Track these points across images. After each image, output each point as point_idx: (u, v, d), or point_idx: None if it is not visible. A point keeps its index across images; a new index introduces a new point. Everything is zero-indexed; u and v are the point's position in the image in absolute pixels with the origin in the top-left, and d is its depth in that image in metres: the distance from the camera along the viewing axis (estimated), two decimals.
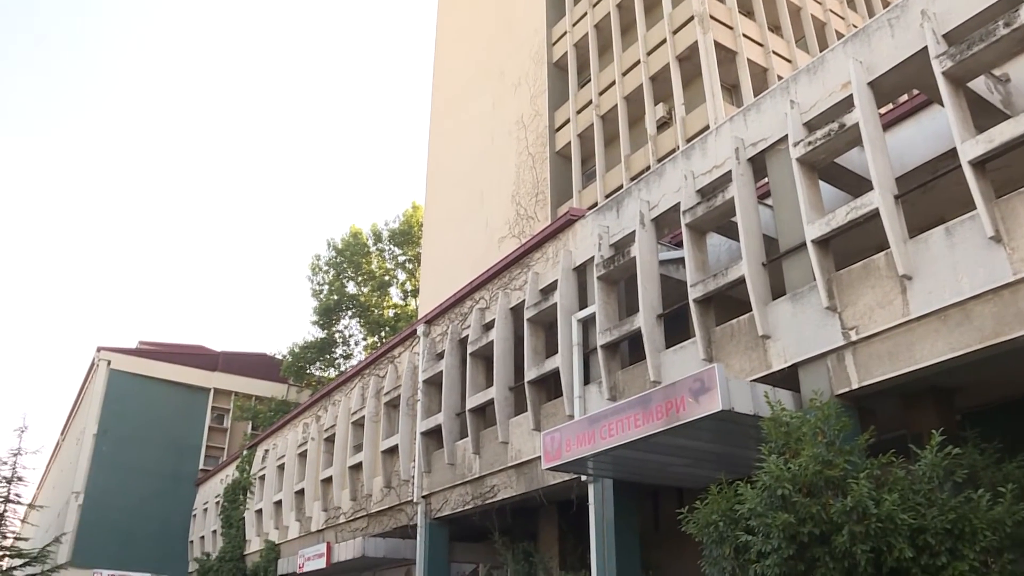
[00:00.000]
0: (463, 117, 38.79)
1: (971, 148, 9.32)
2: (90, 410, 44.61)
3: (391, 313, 51.96)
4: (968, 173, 9.31)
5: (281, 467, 29.94)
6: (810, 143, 11.32)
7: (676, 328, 13.83)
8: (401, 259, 53.07)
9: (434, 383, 20.08)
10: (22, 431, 32.37)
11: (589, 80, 31.00)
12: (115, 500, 42.34)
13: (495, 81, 36.72)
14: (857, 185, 12.03)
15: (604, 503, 14.11)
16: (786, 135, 11.87)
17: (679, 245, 14.64)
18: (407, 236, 52.13)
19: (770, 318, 11.57)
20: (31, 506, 38.91)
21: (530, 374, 16.37)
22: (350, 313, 51.33)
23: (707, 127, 23.07)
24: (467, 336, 18.90)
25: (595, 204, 23.92)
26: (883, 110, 11.53)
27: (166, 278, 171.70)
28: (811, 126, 11.64)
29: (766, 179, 12.67)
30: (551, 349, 16.31)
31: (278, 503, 29.57)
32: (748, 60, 26.79)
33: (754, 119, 12.75)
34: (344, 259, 51.51)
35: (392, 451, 21.67)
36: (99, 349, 46.10)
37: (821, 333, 10.77)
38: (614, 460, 12.33)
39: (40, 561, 30.94)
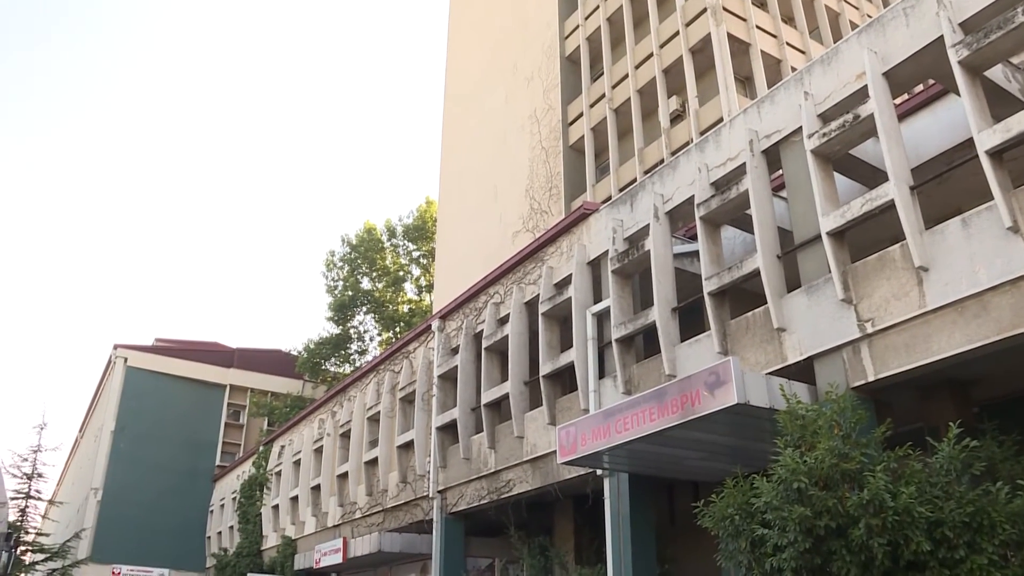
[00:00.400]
0: (476, 112, 38.78)
1: (988, 138, 9.23)
2: (107, 407, 44.94)
3: (406, 308, 52.06)
4: (985, 163, 9.23)
5: (297, 463, 30.08)
6: (825, 134, 11.25)
7: (691, 321, 13.79)
8: (415, 254, 53.14)
9: (449, 378, 20.11)
10: (41, 428, 32.68)
11: (602, 74, 30.92)
12: (133, 496, 42.66)
13: (508, 75, 36.68)
14: (872, 176, 11.94)
15: (619, 497, 14.10)
16: (800, 127, 11.80)
17: (693, 238, 14.60)
18: (421, 231, 52.17)
19: (785, 311, 11.52)
20: (51, 502, 39.26)
21: (545, 368, 16.37)
22: (365, 309, 51.44)
23: (721, 119, 22.99)
24: (482, 331, 18.92)
25: (609, 198, 23.86)
26: (898, 100, 11.44)
27: (182, 275, 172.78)
28: (826, 117, 11.56)
29: (780, 171, 12.61)
30: (566, 343, 16.31)
31: (294, 499, 29.73)
32: (761, 52, 26.65)
33: (768, 111, 12.68)
34: (358, 255, 51.62)
35: (407, 446, 21.73)
36: (116, 346, 46.38)
37: (837, 325, 10.71)
38: (629, 454, 12.32)
39: (61, 556, 31.24)
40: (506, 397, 17.41)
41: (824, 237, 10.90)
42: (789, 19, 29.27)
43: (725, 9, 26.45)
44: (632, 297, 15.10)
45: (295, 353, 50.69)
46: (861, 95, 11.07)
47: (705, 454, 12.12)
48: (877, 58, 10.90)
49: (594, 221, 16.23)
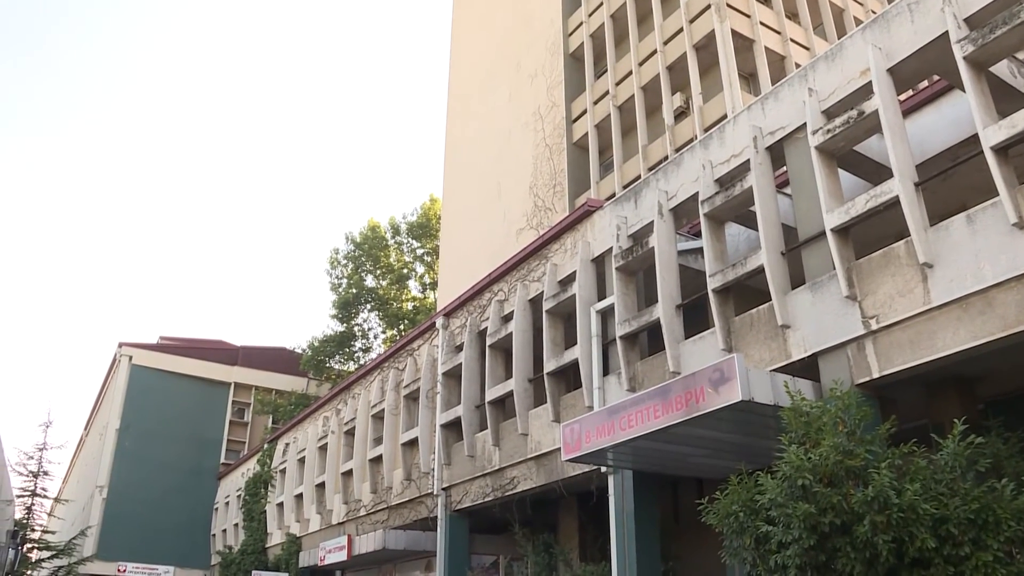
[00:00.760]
0: (480, 109, 38.76)
1: (993, 134, 9.20)
2: (113, 405, 45.03)
3: (410, 306, 52.06)
4: (990, 159, 9.20)
5: (302, 460, 30.12)
6: (829, 131, 11.22)
7: (695, 318, 13.77)
8: (419, 252, 53.13)
9: (453, 375, 20.11)
10: (47, 426, 32.87)
11: (606, 70, 30.86)
12: (138, 494, 42.75)
13: (512, 72, 36.64)
14: (876, 173, 11.92)
15: (624, 494, 14.09)
16: (804, 123, 11.78)
17: (697, 235, 14.59)
18: (425, 229, 52.16)
19: (789, 307, 11.50)
20: (57, 500, 39.45)
21: (549, 365, 16.37)
22: (369, 306, 51.45)
23: (725, 116, 22.94)
24: (486, 328, 18.92)
25: (613, 195, 23.84)
26: (903, 97, 11.41)
27: (186, 274, 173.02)
28: (830, 114, 11.54)
29: (784, 168, 12.59)
30: (570, 340, 16.30)
31: (299, 496, 29.76)
32: (765, 48, 26.56)
33: (772, 107, 12.65)
34: (362, 252, 51.64)
35: (412, 444, 21.74)
36: (121, 344, 46.47)
37: (841, 322, 10.69)
38: (634, 451, 12.32)
39: (67, 554, 31.40)
40: (510, 394, 17.40)
41: (828, 234, 10.88)
42: (793, 15, 29.20)
43: (729, 5, 26.37)
44: (636, 294, 15.09)
45: (299, 351, 50.79)
46: (865, 91, 11.04)
47: (709, 451, 12.11)
48: (881, 54, 10.86)
49: (598, 218, 16.22)
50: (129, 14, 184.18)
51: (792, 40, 27.78)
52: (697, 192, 13.55)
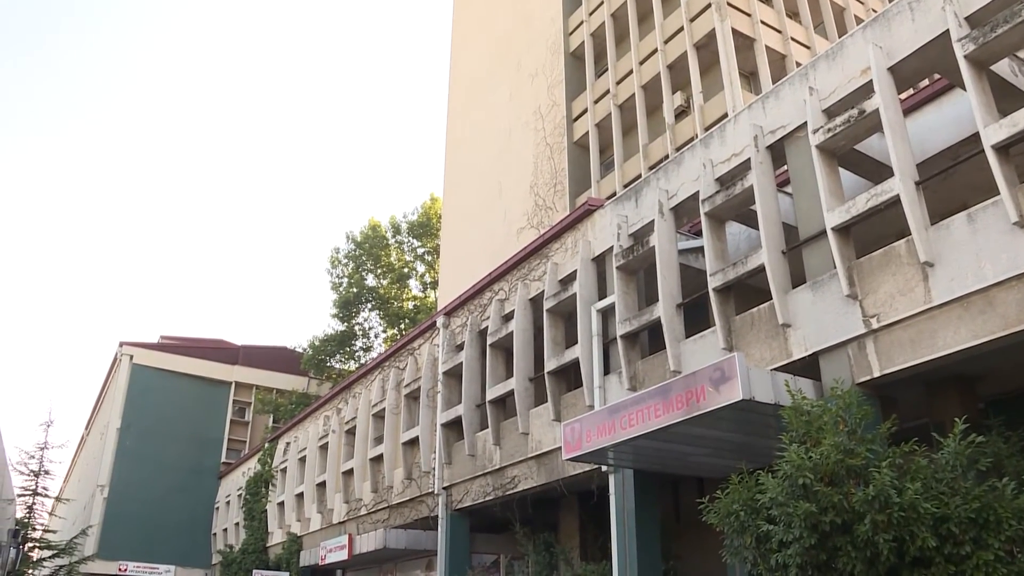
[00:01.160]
0: (480, 108, 38.75)
1: (994, 132, 9.19)
2: (113, 404, 45.03)
3: (410, 305, 52.06)
4: (991, 158, 9.19)
5: (302, 460, 30.13)
6: (829, 130, 11.22)
7: (696, 317, 13.77)
8: (420, 251, 53.14)
9: (454, 375, 20.11)
10: (48, 425, 32.84)
11: (606, 69, 30.87)
12: (139, 493, 42.76)
13: (512, 72, 36.64)
14: (877, 172, 11.92)
15: (625, 493, 14.09)
16: (805, 122, 11.77)
17: (698, 234, 14.57)
18: (426, 228, 52.17)
19: (790, 306, 11.50)
20: (58, 499, 39.47)
21: (550, 365, 16.37)
22: (369, 306, 51.48)
23: (725, 115, 22.94)
24: (486, 327, 18.92)
25: (613, 194, 23.84)
26: (903, 95, 11.40)
27: (187, 273, 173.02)
28: (830, 113, 11.53)
29: (785, 167, 12.58)
30: (571, 339, 16.29)
31: (300, 495, 29.77)
32: (766, 47, 26.57)
33: (773, 106, 12.65)
34: (363, 252, 51.66)
35: (413, 443, 21.74)
36: (122, 344, 46.47)
37: (842, 321, 10.69)
38: (634, 450, 12.31)
39: (68, 553, 31.39)
40: (511, 394, 17.40)
41: (829, 232, 10.87)
42: (794, 14, 29.20)
43: (730, 4, 26.38)
44: (637, 293, 15.08)
45: (300, 350, 50.81)
46: (866, 90, 11.03)
47: (710, 450, 12.10)
48: (882, 53, 10.86)
49: (599, 217, 16.21)
50: (129, 14, 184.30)
51: (793, 39, 27.79)
52: (698, 191, 13.54)
